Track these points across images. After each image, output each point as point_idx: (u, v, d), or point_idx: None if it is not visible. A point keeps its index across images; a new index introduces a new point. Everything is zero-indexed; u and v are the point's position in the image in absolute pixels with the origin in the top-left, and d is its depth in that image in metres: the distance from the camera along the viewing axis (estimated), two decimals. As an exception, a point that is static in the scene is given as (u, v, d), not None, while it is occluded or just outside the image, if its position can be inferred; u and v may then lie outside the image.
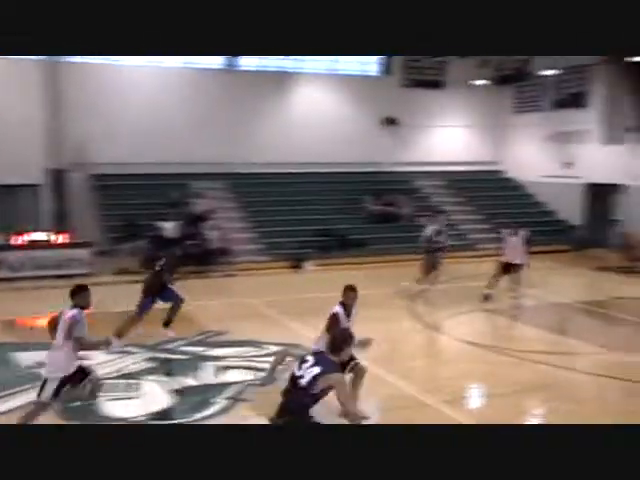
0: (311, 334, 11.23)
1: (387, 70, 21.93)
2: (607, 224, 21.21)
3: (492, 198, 22.97)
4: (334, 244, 19.28)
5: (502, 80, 21.67)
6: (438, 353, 10.77)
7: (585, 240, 20.42)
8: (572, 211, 21.78)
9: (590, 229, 21.02)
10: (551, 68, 19.37)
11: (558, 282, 14.74)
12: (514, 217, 21.84)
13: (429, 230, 15.13)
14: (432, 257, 14.87)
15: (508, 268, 14.15)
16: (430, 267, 14.82)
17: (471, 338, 11.19)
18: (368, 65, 22.96)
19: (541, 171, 22.78)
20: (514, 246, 14.19)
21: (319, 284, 16.19)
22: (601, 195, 21.38)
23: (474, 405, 8.68)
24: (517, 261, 14.08)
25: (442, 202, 22.51)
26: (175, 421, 7.58)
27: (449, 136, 23.90)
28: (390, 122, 22.92)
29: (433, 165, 23.42)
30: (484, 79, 21.45)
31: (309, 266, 18.14)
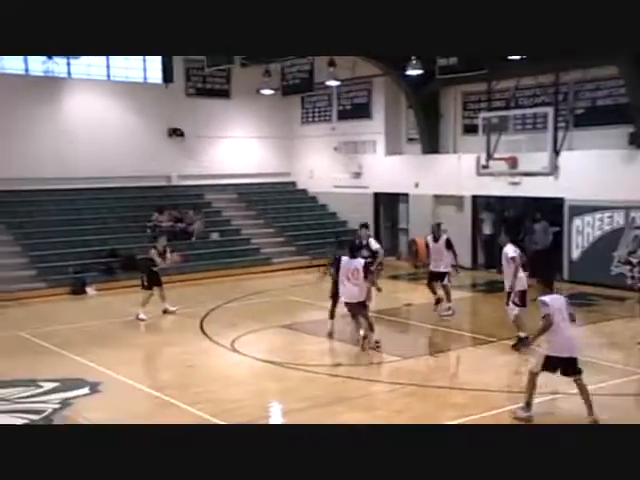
0: (95, 365, 10.87)
1: (168, 78, 21.64)
2: (395, 233, 22.82)
3: (285, 210, 23.69)
4: (118, 265, 18.65)
5: (289, 90, 22.44)
6: (231, 374, 10.88)
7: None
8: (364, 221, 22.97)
9: (380, 238, 22.44)
10: (335, 79, 20.37)
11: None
12: (308, 229, 23.04)
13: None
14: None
15: (435, 277, 13.80)
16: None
17: (263, 355, 11.47)
18: (150, 72, 22.58)
19: (332, 181, 23.94)
20: (437, 251, 13.79)
21: (102, 310, 15.64)
22: (387, 204, 22.95)
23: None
24: (441, 269, 13.83)
25: (234, 216, 22.79)
26: None
27: (238, 147, 24.28)
28: (176, 133, 22.77)
29: (223, 178, 23.63)
30: (270, 89, 22.10)
31: (92, 291, 17.43)
